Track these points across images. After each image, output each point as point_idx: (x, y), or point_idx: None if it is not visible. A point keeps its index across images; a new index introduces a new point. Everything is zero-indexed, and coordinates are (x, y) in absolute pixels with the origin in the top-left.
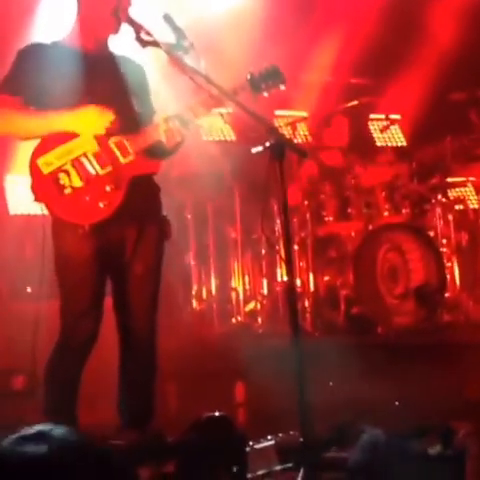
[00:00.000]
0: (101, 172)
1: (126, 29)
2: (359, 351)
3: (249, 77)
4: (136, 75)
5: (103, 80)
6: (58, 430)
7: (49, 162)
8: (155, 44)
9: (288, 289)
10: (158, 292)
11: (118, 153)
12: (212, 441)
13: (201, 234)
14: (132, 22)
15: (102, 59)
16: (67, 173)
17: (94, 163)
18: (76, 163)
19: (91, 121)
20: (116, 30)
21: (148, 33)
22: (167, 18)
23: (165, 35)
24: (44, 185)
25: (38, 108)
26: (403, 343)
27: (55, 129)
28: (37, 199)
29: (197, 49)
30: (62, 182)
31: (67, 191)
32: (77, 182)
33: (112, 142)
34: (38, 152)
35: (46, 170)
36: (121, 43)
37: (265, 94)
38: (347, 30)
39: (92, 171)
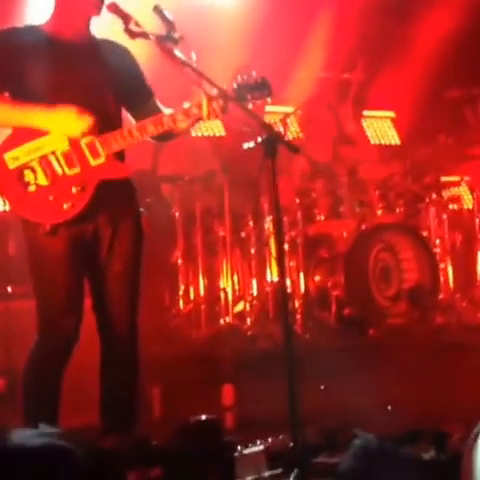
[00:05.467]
0: (68, 172)
1: (115, 20)
2: (351, 353)
3: (236, 86)
4: (122, 59)
5: (81, 72)
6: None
7: (16, 157)
8: (144, 35)
9: (279, 290)
10: (138, 291)
11: (88, 154)
12: (199, 445)
13: (189, 232)
14: (121, 13)
15: (82, 48)
16: (33, 170)
17: (62, 162)
18: (43, 161)
19: (67, 123)
20: (97, 11)
21: (137, 24)
22: (157, 10)
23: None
24: (8, 180)
25: (10, 95)
26: (395, 345)
27: (27, 124)
28: None
29: (188, 42)
30: (27, 179)
31: (31, 188)
32: (42, 180)
33: (84, 142)
34: (6, 146)
35: (12, 165)
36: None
37: (250, 105)
38: (340, 25)
39: (59, 170)
